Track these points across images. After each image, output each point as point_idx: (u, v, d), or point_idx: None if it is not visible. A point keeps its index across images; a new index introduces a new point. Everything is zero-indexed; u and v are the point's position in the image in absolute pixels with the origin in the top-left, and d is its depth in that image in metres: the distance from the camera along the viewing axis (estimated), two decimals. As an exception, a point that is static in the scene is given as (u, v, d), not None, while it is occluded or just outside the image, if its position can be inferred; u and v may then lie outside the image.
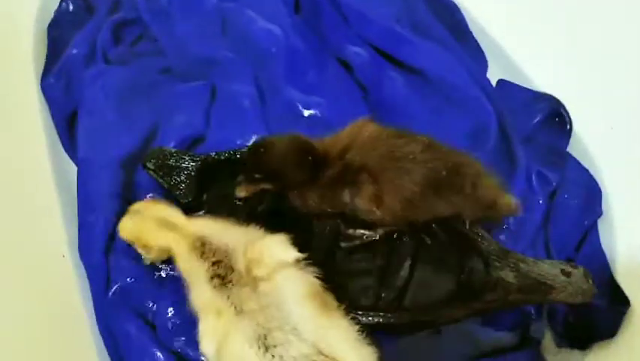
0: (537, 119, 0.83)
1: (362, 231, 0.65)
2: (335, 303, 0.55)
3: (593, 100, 0.80)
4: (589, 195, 0.77)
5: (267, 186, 0.62)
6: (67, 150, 0.81)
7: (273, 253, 0.53)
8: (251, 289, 0.50)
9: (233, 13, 0.86)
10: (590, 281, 0.60)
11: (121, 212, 0.71)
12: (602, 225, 0.76)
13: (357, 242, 0.65)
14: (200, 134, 0.77)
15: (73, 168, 0.79)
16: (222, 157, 0.71)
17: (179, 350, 0.64)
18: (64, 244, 0.71)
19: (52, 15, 0.90)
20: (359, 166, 0.59)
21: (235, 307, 0.50)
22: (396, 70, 0.86)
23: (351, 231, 0.65)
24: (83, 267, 0.70)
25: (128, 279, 0.68)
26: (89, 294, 0.68)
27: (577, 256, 0.74)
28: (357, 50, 0.87)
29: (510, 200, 0.63)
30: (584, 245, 0.75)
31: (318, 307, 0.51)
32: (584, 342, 0.68)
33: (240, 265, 0.52)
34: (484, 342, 0.65)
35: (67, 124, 0.81)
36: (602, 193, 0.77)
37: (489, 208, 0.62)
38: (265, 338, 0.49)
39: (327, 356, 0.49)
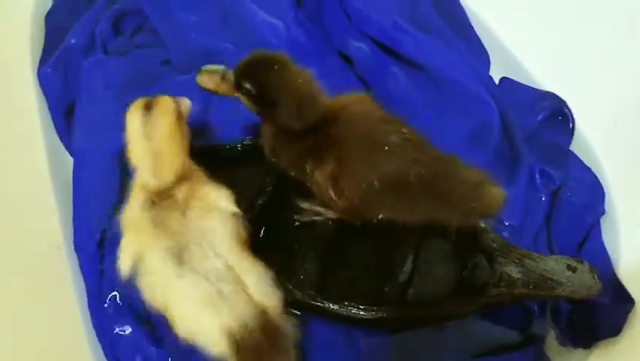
0: (540, 117, 0.82)
1: (317, 208, 0.64)
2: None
3: (596, 99, 0.80)
4: (592, 193, 0.77)
5: (248, 102, 0.58)
6: (63, 141, 0.79)
7: (217, 200, 0.56)
8: (180, 214, 0.54)
9: (233, 5, 0.85)
10: (596, 277, 0.59)
11: (116, 205, 0.71)
12: (605, 224, 0.76)
13: (309, 218, 0.65)
14: (199, 125, 0.76)
15: (69, 159, 0.77)
16: (221, 148, 0.70)
17: (170, 345, 0.62)
18: (60, 235, 0.70)
19: (50, 4, 0.89)
20: (333, 140, 0.56)
21: (158, 226, 0.52)
22: (398, 65, 0.86)
23: (305, 205, 0.65)
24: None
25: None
26: (82, 286, 0.66)
27: (579, 254, 0.73)
28: (358, 44, 0.86)
29: (496, 190, 0.57)
30: (586, 243, 0.74)
31: (239, 247, 0.54)
32: (587, 340, 0.67)
33: (181, 193, 0.55)
34: (487, 340, 0.64)
35: (64, 114, 0.80)
36: (605, 192, 0.77)
37: (473, 209, 0.57)
38: (182, 254, 0.51)
39: (236, 274, 0.52)
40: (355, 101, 0.59)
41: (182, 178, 0.56)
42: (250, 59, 0.57)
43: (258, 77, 0.56)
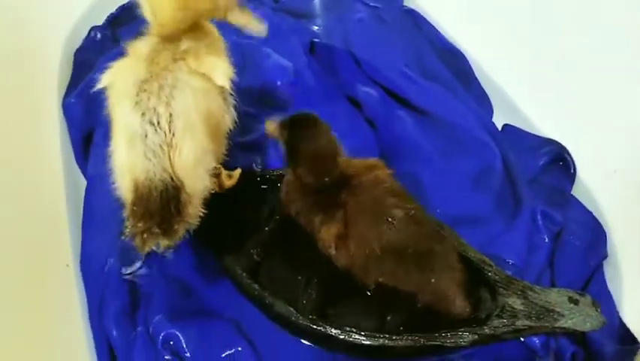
0: (541, 162, 0.85)
1: None
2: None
3: (595, 145, 0.82)
4: (593, 236, 0.77)
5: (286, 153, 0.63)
6: (80, 165, 0.82)
7: (215, 70, 0.57)
8: (172, 59, 0.54)
9: (251, 49, 0.91)
10: (599, 310, 0.59)
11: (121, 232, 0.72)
12: (607, 267, 0.76)
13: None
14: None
15: (84, 182, 0.80)
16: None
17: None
18: (70, 254, 0.71)
19: (80, 42, 0.95)
20: (342, 203, 0.60)
21: (148, 60, 0.54)
22: (404, 110, 0.90)
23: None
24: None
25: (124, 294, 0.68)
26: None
27: (583, 296, 0.73)
28: (367, 89, 0.91)
29: (461, 303, 0.60)
30: (590, 286, 0.74)
31: (196, 120, 0.53)
32: (592, 383, 0.65)
33: (185, 44, 0.56)
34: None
35: (83, 141, 0.84)
36: (607, 236, 0.78)
37: (439, 301, 0.60)
38: (144, 86, 0.52)
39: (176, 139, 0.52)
40: (369, 167, 0.63)
41: (192, 32, 0.58)
42: (292, 117, 0.64)
43: (291, 135, 0.62)
